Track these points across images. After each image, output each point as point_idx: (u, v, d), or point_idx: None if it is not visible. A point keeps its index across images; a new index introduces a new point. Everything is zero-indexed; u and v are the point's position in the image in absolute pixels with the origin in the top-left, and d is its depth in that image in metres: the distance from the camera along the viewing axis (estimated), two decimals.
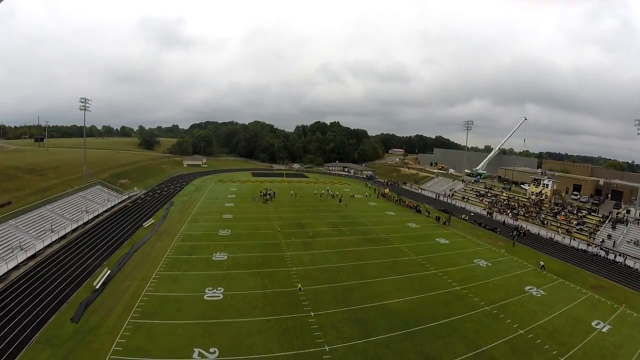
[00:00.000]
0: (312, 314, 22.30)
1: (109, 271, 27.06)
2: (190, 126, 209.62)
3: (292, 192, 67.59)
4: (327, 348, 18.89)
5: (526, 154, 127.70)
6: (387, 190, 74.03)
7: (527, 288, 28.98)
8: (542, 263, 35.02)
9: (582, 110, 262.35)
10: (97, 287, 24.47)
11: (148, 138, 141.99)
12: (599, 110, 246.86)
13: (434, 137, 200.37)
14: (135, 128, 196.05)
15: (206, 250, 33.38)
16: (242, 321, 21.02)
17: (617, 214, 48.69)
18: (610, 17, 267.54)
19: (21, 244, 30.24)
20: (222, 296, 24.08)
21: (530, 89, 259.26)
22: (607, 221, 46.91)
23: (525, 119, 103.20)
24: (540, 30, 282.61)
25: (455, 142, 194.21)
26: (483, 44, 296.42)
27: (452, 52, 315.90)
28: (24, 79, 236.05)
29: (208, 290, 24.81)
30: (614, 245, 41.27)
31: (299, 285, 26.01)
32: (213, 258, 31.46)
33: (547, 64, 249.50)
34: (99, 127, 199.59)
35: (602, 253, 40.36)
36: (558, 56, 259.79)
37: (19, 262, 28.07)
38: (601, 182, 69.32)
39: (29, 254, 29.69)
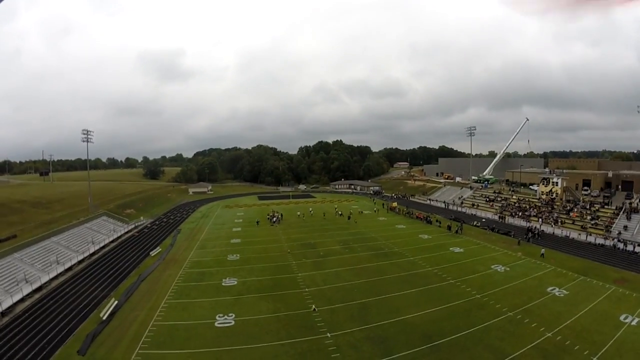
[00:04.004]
0: (328, 335, 21.28)
1: (116, 302, 26.38)
2: (194, 154, 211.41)
3: (299, 212, 66.99)
4: None
5: (531, 155, 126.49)
6: (395, 204, 73.13)
7: (549, 289, 27.80)
8: (542, 251, 35.77)
9: (577, 106, 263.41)
10: (104, 318, 23.75)
11: (153, 168, 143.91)
12: (594, 104, 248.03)
13: (437, 147, 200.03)
14: (140, 159, 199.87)
15: (215, 276, 32.61)
16: (255, 347, 20.07)
17: (630, 204, 47.40)
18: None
19: (26, 277, 29.86)
20: (233, 322, 23.19)
21: (523, 90, 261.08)
22: (621, 212, 45.61)
23: (527, 120, 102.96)
24: (526, 32, 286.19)
25: (458, 150, 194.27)
26: (472, 51, 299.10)
27: (442, 62, 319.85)
28: (28, 115, 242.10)
29: (219, 317, 23.94)
30: (628, 235, 39.80)
31: (313, 306, 25.05)
32: (223, 284, 30.66)
33: (536, 64, 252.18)
34: (104, 160, 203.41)
35: (621, 245, 38.96)
36: (546, 55, 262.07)
37: (24, 294, 27.55)
38: (610, 174, 68.09)
39: (35, 286, 29.20)
